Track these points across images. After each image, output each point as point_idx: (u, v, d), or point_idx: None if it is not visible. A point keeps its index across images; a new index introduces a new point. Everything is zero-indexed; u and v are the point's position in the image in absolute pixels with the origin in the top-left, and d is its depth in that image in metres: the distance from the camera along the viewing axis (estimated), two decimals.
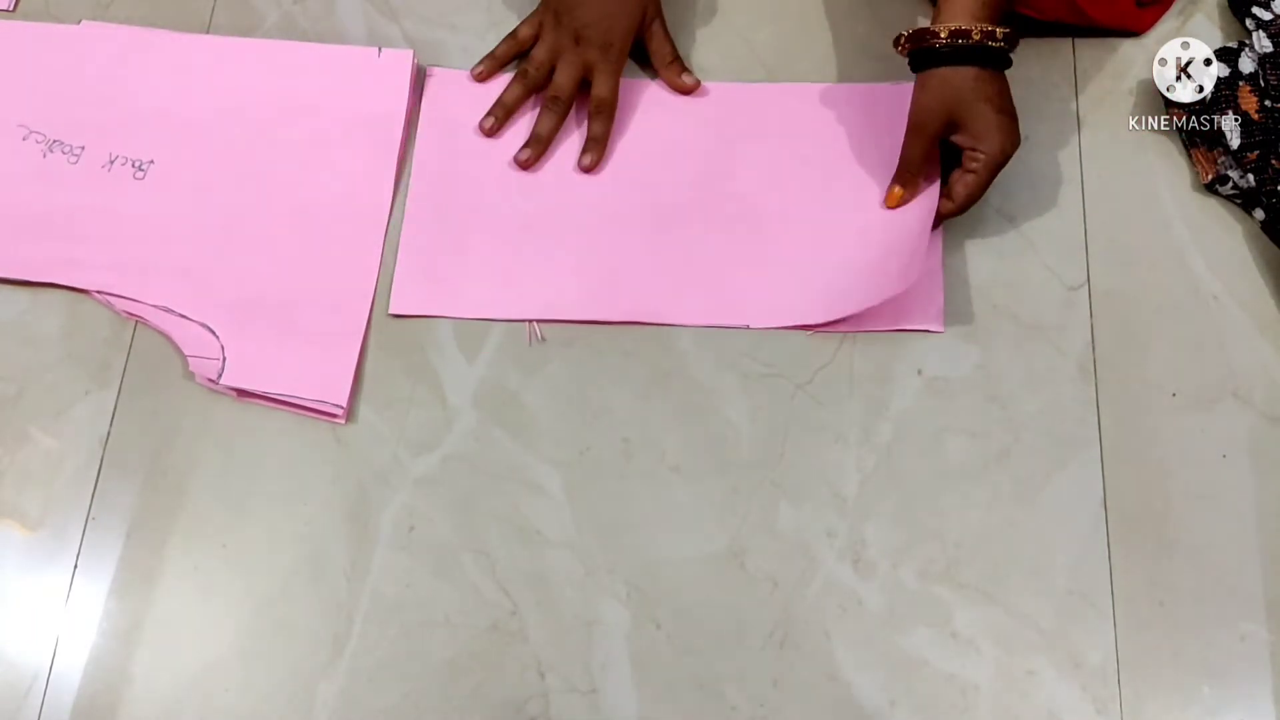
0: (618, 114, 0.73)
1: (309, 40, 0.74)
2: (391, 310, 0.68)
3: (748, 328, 0.68)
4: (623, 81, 0.73)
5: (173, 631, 0.61)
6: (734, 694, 0.61)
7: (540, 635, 0.61)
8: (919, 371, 0.68)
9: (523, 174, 0.72)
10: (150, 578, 0.62)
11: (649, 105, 0.74)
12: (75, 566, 0.62)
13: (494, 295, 0.68)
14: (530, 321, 0.68)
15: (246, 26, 0.75)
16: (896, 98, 0.74)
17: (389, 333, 0.67)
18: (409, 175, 0.71)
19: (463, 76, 0.74)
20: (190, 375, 0.66)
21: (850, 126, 0.74)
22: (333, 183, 0.71)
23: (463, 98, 0.74)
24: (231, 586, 0.62)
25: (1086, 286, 0.70)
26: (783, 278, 0.69)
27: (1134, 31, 0.77)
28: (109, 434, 0.65)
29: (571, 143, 0.73)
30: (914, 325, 0.68)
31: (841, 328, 0.68)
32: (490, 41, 0.75)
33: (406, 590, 0.62)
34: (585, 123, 0.72)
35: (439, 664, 0.61)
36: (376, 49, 0.74)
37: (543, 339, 0.67)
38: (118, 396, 0.66)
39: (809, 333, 0.68)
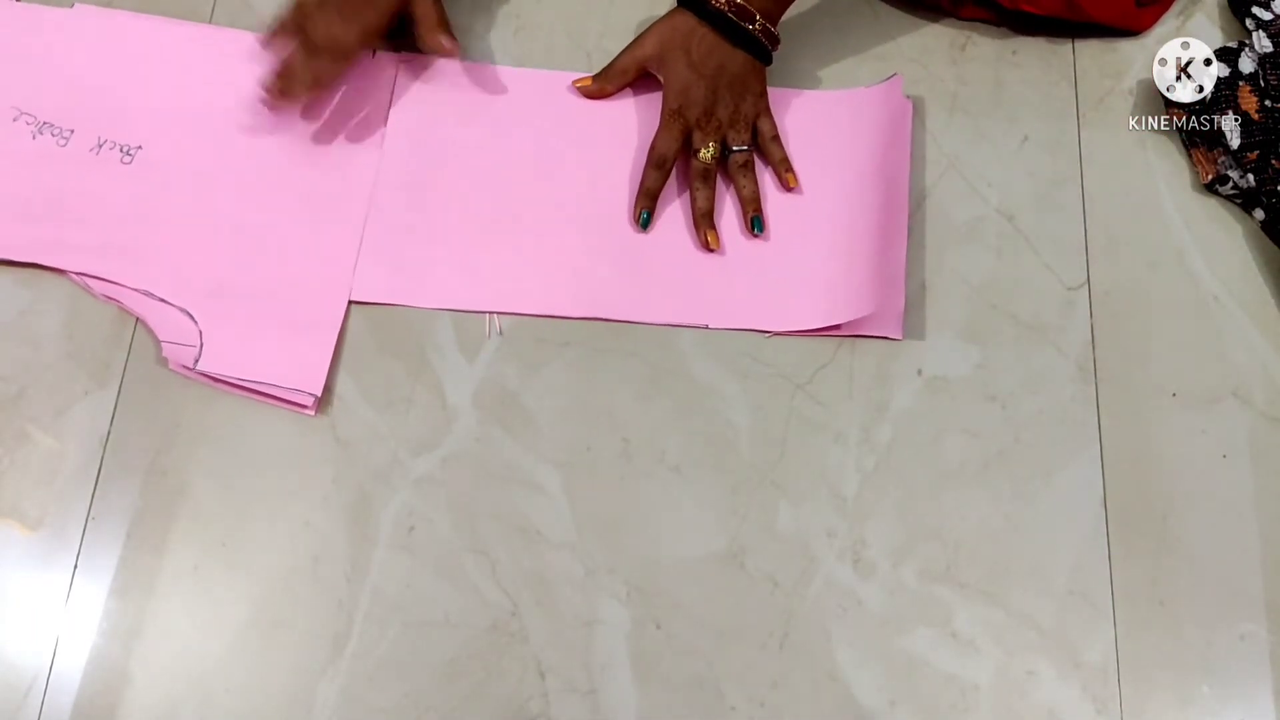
0: (595, 113, 0.73)
1: None
2: (353, 297, 0.68)
3: (706, 327, 0.68)
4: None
5: (173, 631, 0.61)
6: (734, 694, 0.61)
7: (540, 635, 0.61)
8: (919, 371, 0.68)
9: (490, 166, 0.71)
10: (150, 578, 0.62)
11: (622, 105, 0.74)
12: (75, 566, 0.62)
13: (457, 286, 0.68)
14: (489, 314, 0.68)
15: (246, 26, 0.75)
16: (872, 102, 0.74)
17: (390, 332, 0.67)
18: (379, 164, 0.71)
19: (435, 65, 0.74)
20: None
21: (818, 133, 0.73)
22: (316, 175, 0.71)
23: (434, 88, 0.74)
24: (231, 586, 0.62)
25: (1086, 286, 0.70)
26: (743, 281, 0.69)
27: (1133, 31, 0.77)
28: (109, 434, 0.65)
29: (542, 134, 0.72)
30: (872, 332, 0.68)
31: (800, 334, 0.68)
32: (478, 35, 0.75)
33: (406, 590, 0.62)
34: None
35: (439, 664, 0.61)
36: (372, 50, 0.74)
37: (501, 331, 0.67)
38: (118, 396, 0.65)
39: (766, 335, 0.68)
